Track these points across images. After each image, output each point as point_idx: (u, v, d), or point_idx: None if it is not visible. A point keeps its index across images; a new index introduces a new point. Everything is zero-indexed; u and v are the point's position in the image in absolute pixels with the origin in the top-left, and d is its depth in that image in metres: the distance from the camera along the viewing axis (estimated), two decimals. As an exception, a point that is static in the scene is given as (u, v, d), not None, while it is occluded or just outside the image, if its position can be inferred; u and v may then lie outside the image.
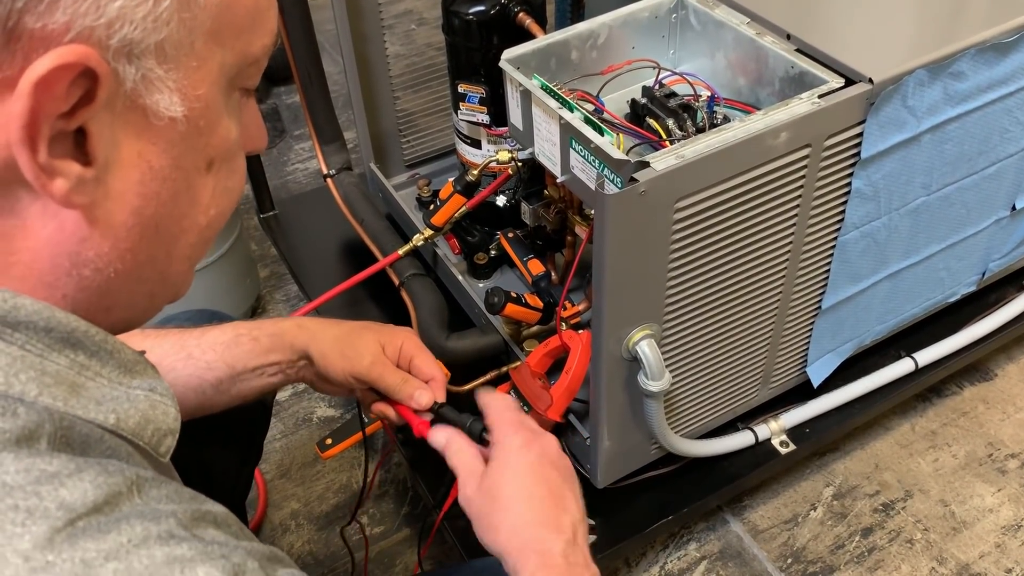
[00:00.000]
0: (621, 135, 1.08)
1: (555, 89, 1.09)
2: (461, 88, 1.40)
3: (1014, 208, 1.39)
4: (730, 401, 1.32)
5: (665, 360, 1.12)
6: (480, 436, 0.89)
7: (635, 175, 0.95)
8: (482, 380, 1.35)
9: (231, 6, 0.50)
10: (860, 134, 1.09)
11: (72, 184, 0.46)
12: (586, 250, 1.18)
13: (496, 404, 0.89)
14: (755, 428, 1.37)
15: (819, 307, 1.27)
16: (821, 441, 1.43)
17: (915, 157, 1.17)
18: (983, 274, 1.47)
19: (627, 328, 1.08)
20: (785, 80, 1.12)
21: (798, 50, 1.11)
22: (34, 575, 0.41)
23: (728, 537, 1.50)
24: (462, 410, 0.94)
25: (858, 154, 1.11)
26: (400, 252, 1.44)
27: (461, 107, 1.42)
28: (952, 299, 1.48)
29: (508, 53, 1.15)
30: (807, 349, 1.34)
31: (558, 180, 1.15)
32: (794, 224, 1.12)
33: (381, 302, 1.55)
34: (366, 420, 1.12)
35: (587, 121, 1.05)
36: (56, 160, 0.46)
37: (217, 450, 1.10)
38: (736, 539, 1.49)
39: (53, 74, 0.43)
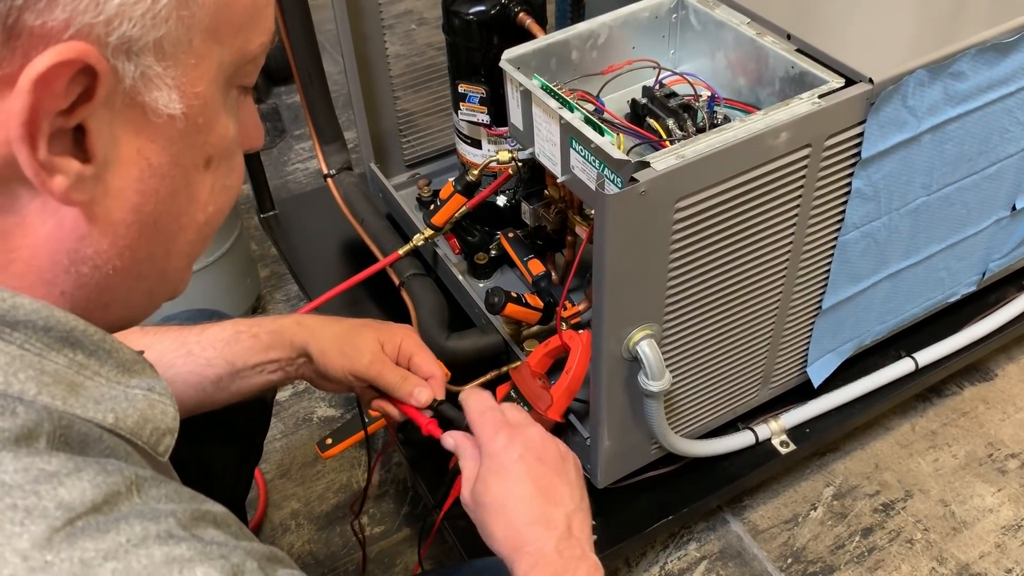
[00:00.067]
0: (621, 135, 1.08)
1: (555, 89, 1.09)
2: (461, 88, 1.40)
3: (1014, 208, 1.39)
4: (730, 401, 1.32)
5: (665, 360, 1.11)
6: None
7: (635, 175, 0.95)
8: (482, 380, 1.35)
9: (229, 4, 0.50)
10: (860, 134, 1.09)
11: (71, 181, 0.46)
12: (586, 250, 1.18)
13: (472, 404, 0.88)
14: (755, 428, 1.37)
15: (819, 307, 1.27)
16: (821, 441, 1.43)
17: (915, 157, 1.17)
18: (983, 274, 1.47)
19: (627, 328, 1.08)
20: (785, 80, 1.12)
21: (798, 50, 1.11)
22: (32, 575, 0.41)
23: (728, 537, 1.50)
24: (461, 408, 0.94)
25: (858, 154, 1.11)
26: (400, 252, 1.44)
27: (461, 107, 1.42)
28: (952, 299, 1.48)
29: (508, 53, 1.15)
30: (807, 349, 1.34)
31: (558, 180, 1.15)
32: (794, 224, 1.12)
33: (381, 302, 1.55)
34: (367, 419, 1.12)
35: (587, 121, 1.05)
36: (55, 157, 0.46)
37: (217, 449, 1.10)
38: (736, 539, 1.49)
39: (52, 71, 0.43)
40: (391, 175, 1.71)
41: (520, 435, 0.84)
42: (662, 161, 0.96)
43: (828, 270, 1.23)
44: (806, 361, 1.36)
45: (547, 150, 1.15)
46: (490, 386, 1.32)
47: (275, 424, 1.68)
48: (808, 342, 1.32)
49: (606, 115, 1.18)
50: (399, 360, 0.99)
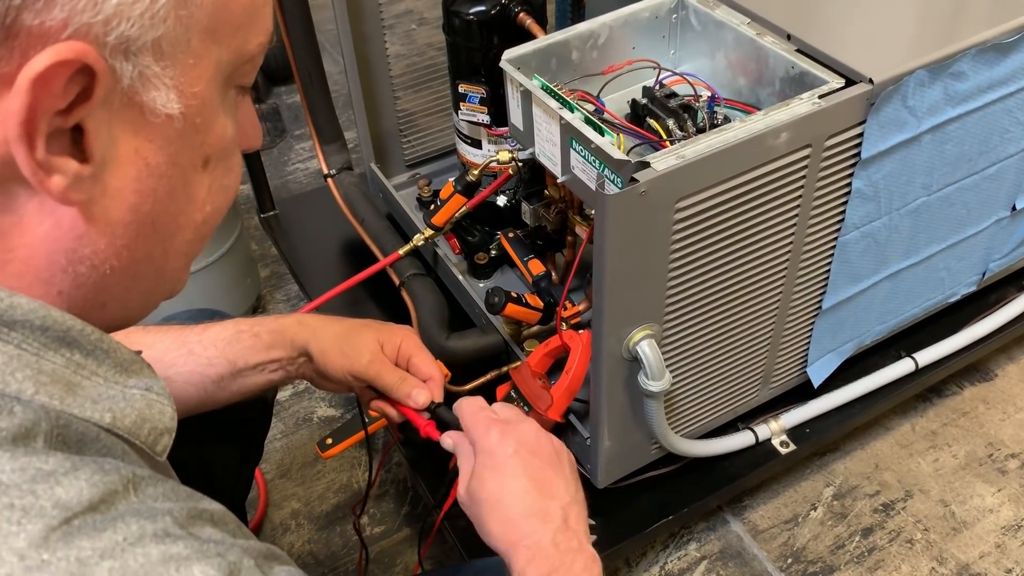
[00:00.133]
0: (621, 135, 1.08)
1: (555, 89, 1.09)
2: (462, 88, 1.40)
3: (1014, 208, 1.39)
4: (730, 401, 1.32)
5: (665, 360, 1.11)
6: None
7: (635, 175, 0.95)
8: (482, 380, 1.35)
9: (227, 4, 0.50)
10: (860, 134, 1.09)
11: (69, 181, 0.46)
12: (586, 250, 1.18)
13: (465, 407, 0.89)
14: (755, 428, 1.37)
15: (819, 307, 1.27)
16: (821, 441, 1.43)
17: (915, 157, 1.17)
18: (983, 274, 1.47)
19: (627, 328, 1.08)
20: (785, 80, 1.12)
21: (798, 50, 1.11)
22: (29, 573, 0.41)
23: (728, 537, 1.50)
24: None
25: (858, 154, 1.11)
26: (400, 252, 1.44)
27: (462, 107, 1.42)
28: (952, 299, 1.48)
29: (509, 53, 1.15)
30: (807, 349, 1.34)
31: (558, 180, 1.15)
32: (794, 224, 1.12)
33: (381, 302, 1.55)
34: (367, 419, 1.12)
35: (587, 121, 1.05)
36: (53, 157, 0.46)
37: (218, 449, 1.10)
38: (736, 539, 1.49)
39: (51, 71, 0.43)
40: (391, 175, 1.71)
41: (513, 431, 0.84)
42: (662, 161, 0.96)
43: (828, 270, 1.23)
44: (806, 361, 1.36)
45: (547, 150, 1.15)
46: (490, 386, 1.33)
47: (275, 424, 1.68)
48: (808, 342, 1.32)
49: (606, 115, 1.18)
50: (398, 361, 0.99)
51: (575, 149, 1.07)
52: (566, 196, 1.30)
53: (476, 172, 1.33)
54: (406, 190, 1.70)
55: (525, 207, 1.37)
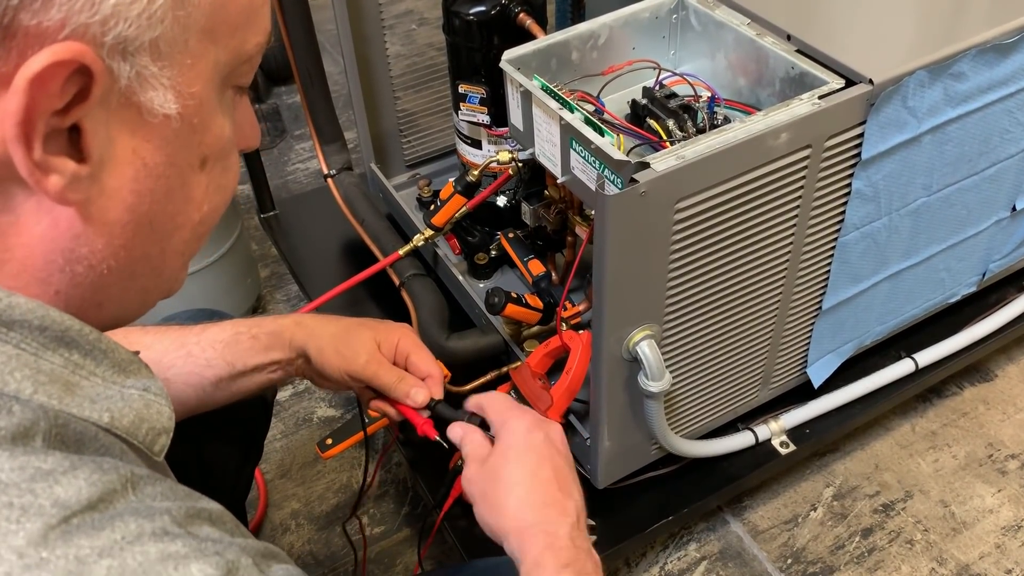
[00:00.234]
0: (621, 136, 1.08)
1: (555, 90, 1.09)
2: (462, 88, 1.40)
3: (1014, 209, 1.39)
4: (730, 401, 1.32)
5: (665, 360, 1.11)
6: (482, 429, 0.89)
7: (635, 176, 0.95)
8: (482, 380, 1.35)
9: (225, 4, 0.50)
10: (860, 135, 1.09)
11: (67, 181, 0.46)
12: (586, 250, 1.18)
13: (495, 400, 0.89)
14: (755, 428, 1.37)
15: (819, 308, 1.27)
16: (821, 441, 1.43)
17: (915, 158, 1.17)
18: (983, 275, 1.47)
19: (627, 328, 1.08)
20: (785, 81, 1.12)
21: (798, 51, 1.11)
22: (28, 572, 0.41)
23: (728, 537, 1.50)
24: (459, 408, 0.94)
25: (858, 155, 1.11)
26: (400, 252, 1.45)
27: (462, 107, 1.42)
28: (952, 300, 1.48)
29: (509, 54, 1.15)
30: (807, 350, 1.34)
31: (558, 181, 1.15)
32: (794, 225, 1.12)
33: (382, 302, 1.55)
34: (367, 419, 1.12)
35: (587, 122, 1.05)
36: (51, 157, 0.46)
37: (218, 449, 1.10)
38: (736, 539, 1.49)
39: (48, 71, 0.43)
40: (391, 175, 1.71)
41: (543, 426, 0.84)
42: (662, 162, 0.96)
43: (828, 271, 1.23)
44: (806, 362, 1.36)
45: (547, 151, 1.15)
46: (490, 386, 1.33)
47: (275, 424, 1.68)
48: (808, 343, 1.32)
49: (606, 116, 1.18)
50: (396, 359, 0.99)
51: (575, 149, 1.07)
52: (566, 196, 1.30)
53: (476, 172, 1.34)
54: (406, 190, 1.70)
55: (525, 207, 1.37)
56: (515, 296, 1.30)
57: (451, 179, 1.40)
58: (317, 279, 1.65)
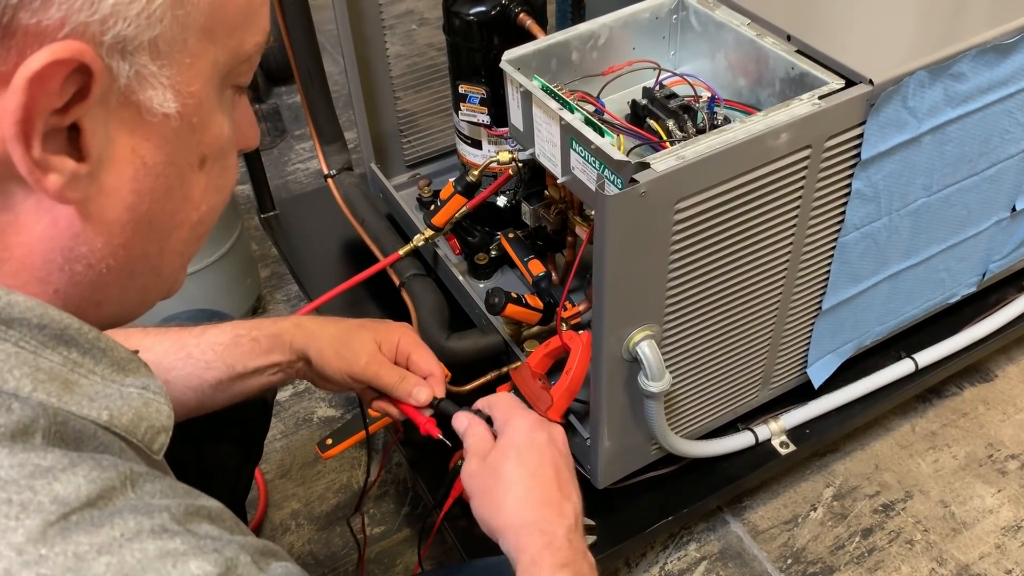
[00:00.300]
0: (621, 136, 1.08)
1: (556, 90, 1.09)
2: (462, 89, 1.40)
3: (1014, 209, 1.39)
4: (730, 402, 1.32)
5: (665, 360, 1.11)
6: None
7: (635, 176, 0.95)
8: (482, 381, 1.35)
9: (224, 4, 0.50)
10: (860, 135, 1.09)
11: (66, 180, 0.47)
12: (586, 251, 1.18)
13: (502, 399, 0.89)
14: (755, 429, 1.37)
15: (819, 308, 1.27)
16: (821, 442, 1.43)
17: (915, 158, 1.17)
18: (983, 275, 1.47)
19: (627, 328, 1.08)
20: (786, 81, 1.12)
21: (798, 51, 1.11)
22: (27, 568, 0.41)
23: (728, 537, 1.50)
24: (463, 406, 0.94)
25: (858, 155, 1.11)
26: (401, 252, 1.45)
27: (462, 107, 1.42)
28: (952, 300, 1.48)
29: (509, 54, 1.16)
30: (807, 350, 1.34)
31: (558, 181, 1.15)
32: (794, 225, 1.12)
33: (382, 302, 1.55)
34: (367, 419, 1.12)
35: (587, 122, 1.05)
36: (50, 156, 0.46)
37: (218, 449, 1.10)
38: (736, 539, 1.49)
39: (47, 70, 0.43)
40: (391, 175, 1.71)
41: (547, 427, 0.84)
42: (662, 162, 0.96)
43: (828, 271, 1.23)
44: (806, 362, 1.36)
45: (547, 151, 1.15)
46: (490, 386, 1.33)
47: (275, 424, 1.68)
48: (808, 343, 1.32)
49: (606, 116, 1.18)
50: (397, 359, 0.99)
51: (575, 150, 1.07)
52: (566, 197, 1.30)
53: (476, 172, 1.34)
54: (406, 190, 1.70)
55: (525, 207, 1.37)
56: (515, 296, 1.30)
57: (451, 179, 1.40)
58: (317, 279, 1.65)
